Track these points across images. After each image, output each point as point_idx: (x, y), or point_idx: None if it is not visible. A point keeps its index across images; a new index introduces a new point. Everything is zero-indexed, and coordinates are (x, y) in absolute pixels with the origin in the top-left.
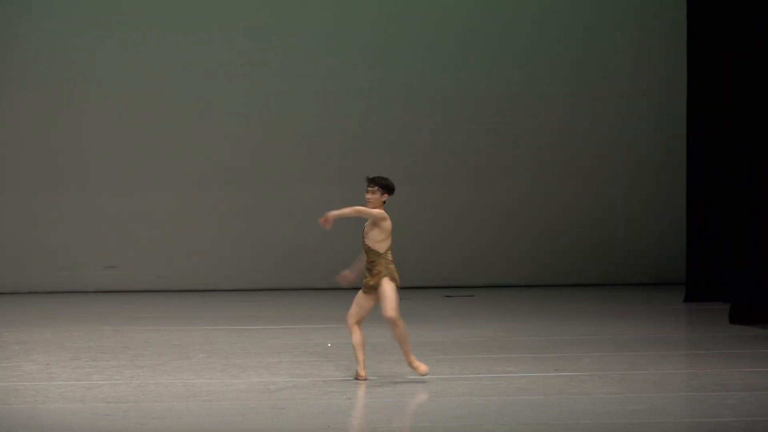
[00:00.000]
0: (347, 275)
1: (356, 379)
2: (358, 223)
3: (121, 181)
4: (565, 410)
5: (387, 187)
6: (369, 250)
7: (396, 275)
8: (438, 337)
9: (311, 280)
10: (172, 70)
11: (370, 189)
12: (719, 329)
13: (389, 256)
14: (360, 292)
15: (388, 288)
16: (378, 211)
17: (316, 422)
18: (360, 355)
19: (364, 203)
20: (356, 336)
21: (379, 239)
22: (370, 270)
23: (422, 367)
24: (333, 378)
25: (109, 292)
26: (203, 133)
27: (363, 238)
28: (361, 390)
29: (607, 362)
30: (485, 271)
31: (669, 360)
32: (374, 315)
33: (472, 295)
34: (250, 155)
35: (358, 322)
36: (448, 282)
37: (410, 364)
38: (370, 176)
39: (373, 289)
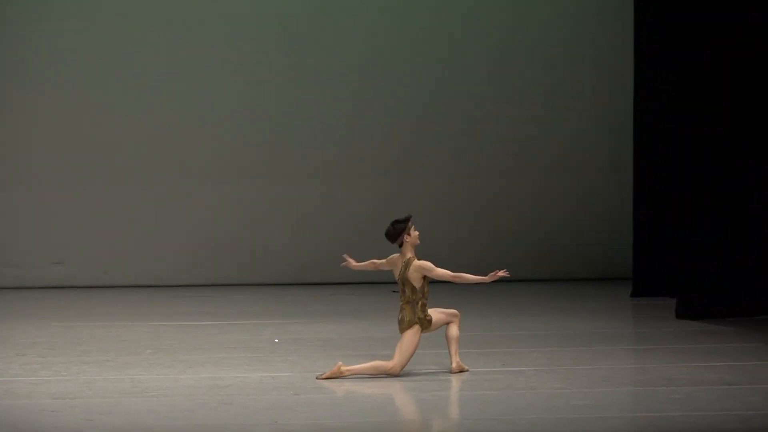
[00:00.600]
0: (351, 262)
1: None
2: (300, 220)
3: (67, 176)
4: (512, 405)
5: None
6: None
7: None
8: (385, 333)
9: (259, 276)
10: (115, 68)
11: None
12: (666, 324)
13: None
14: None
15: (411, 342)
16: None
17: (263, 418)
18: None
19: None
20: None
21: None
22: (401, 311)
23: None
24: (281, 374)
25: (56, 288)
26: (149, 130)
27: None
28: (309, 386)
29: (554, 357)
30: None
31: (616, 355)
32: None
33: None
34: (197, 151)
35: (447, 323)
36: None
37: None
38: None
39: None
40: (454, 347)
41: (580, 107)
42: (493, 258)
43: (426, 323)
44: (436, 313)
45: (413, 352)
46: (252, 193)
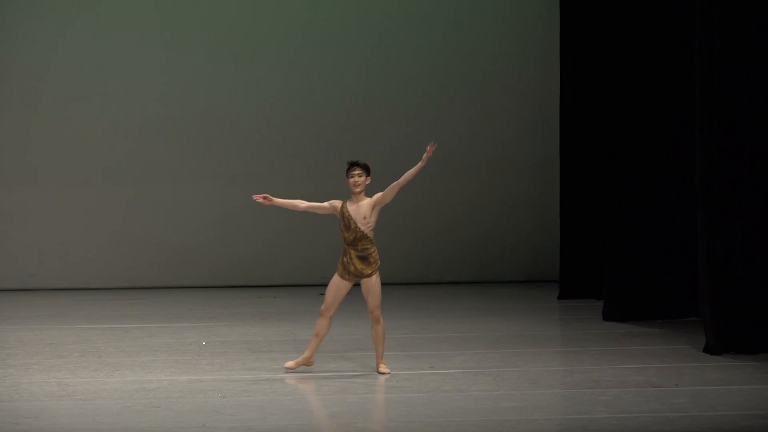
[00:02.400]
0: (271, 198)
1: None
2: (228, 223)
3: None
4: (439, 407)
5: (369, 169)
6: (363, 237)
7: None
8: (308, 335)
9: (185, 278)
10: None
11: (356, 173)
12: (593, 326)
13: None
14: (337, 278)
15: (379, 281)
16: (378, 194)
17: (191, 420)
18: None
19: (348, 189)
20: (324, 327)
21: (374, 224)
22: (364, 258)
23: (387, 369)
24: (208, 376)
25: None
26: (78, 130)
27: (352, 224)
28: (237, 388)
29: (481, 359)
30: None
31: (543, 357)
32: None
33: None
34: (121, 153)
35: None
36: (324, 280)
37: (379, 365)
38: (353, 160)
39: (357, 277)
40: (381, 348)
41: (507, 108)
42: (420, 260)
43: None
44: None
45: None
46: (177, 194)
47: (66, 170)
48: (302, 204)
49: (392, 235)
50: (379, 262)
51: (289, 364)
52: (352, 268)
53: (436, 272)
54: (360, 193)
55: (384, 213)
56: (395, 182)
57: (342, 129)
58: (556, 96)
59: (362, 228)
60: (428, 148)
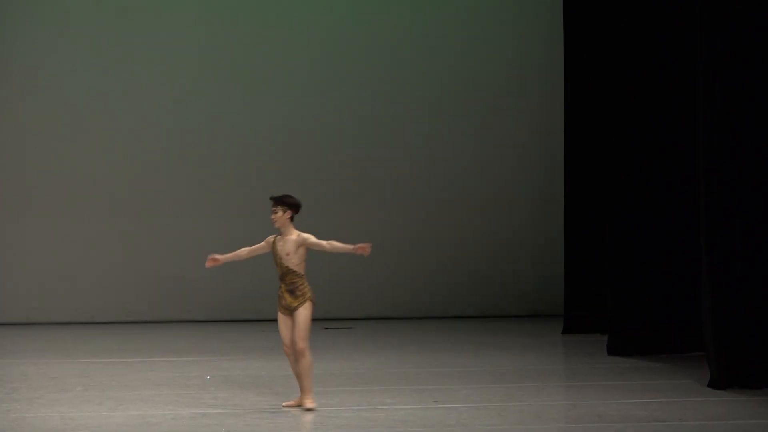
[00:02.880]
0: (217, 257)
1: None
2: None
3: None
4: None
5: (293, 205)
6: (290, 272)
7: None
8: (316, 370)
9: (189, 313)
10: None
11: (273, 209)
12: (597, 360)
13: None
14: (280, 315)
15: (307, 314)
16: (308, 236)
17: None
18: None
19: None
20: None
21: (302, 261)
22: (292, 291)
23: (312, 404)
24: (211, 411)
25: None
26: (73, 164)
27: (277, 260)
28: (240, 422)
29: (486, 394)
30: (364, 303)
31: (547, 391)
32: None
33: (350, 327)
34: (130, 184)
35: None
36: (327, 314)
37: (303, 399)
38: (274, 195)
39: (288, 311)
40: (307, 383)
41: (512, 142)
42: (423, 294)
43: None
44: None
45: None
46: (179, 228)
47: (67, 203)
48: (244, 252)
49: (396, 269)
50: (308, 295)
51: (288, 403)
52: (283, 302)
53: (439, 306)
54: (281, 227)
55: (388, 245)
56: (325, 243)
57: (346, 160)
58: (560, 129)
59: (286, 263)
60: (364, 246)
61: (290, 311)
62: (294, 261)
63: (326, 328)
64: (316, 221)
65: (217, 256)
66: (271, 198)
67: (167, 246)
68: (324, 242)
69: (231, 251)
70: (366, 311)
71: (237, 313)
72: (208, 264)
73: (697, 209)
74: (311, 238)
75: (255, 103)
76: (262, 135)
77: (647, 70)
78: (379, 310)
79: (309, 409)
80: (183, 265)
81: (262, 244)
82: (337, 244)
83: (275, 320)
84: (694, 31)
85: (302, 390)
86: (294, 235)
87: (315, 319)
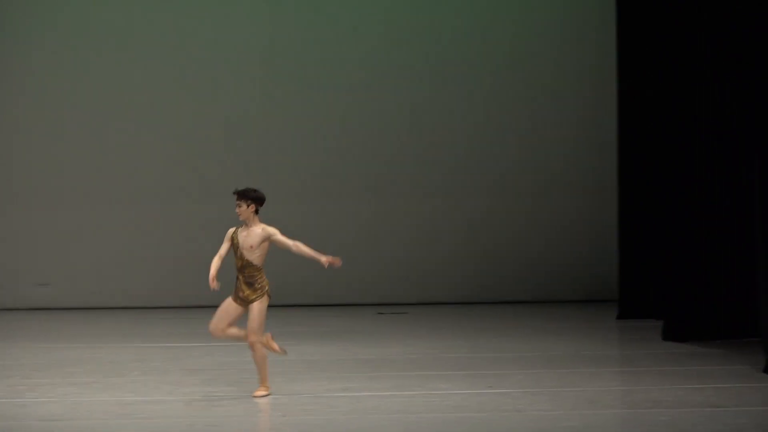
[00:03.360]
0: (214, 280)
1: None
2: None
3: (55, 198)
4: (498, 427)
5: (257, 199)
6: (249, 265)
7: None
8: (370, 355)
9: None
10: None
11: (237, 203)
12: (652, 346)
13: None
14: (230, 300)
15: (263, 308)
16: (274, 231)
17: None
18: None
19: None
20: (234, 331)
21: (263, 254)
22: (250, 284)
23: (262, 392)
24: (271, 394)
25: (41, 309)
26: (134, 151)
27: (238, 251)
28: (296, 407)
29: (540, 379)
30: (419, 288)
31: (602, 377)
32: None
33: (405, 313)
34: (181, 172)
35: (230, 325)
36: (382, 299)
37: (261, 386)
38: (238, 189)
39: (245, 302)
40: (262, 372)
41: (565, 128)
42: (478, 279)
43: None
44: None
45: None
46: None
47: (125, 189)
48: (217, 261)
49: (448, 254)
50: (266, 288)
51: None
52: (241, 294)
53: (493, 292)
54: (246, 220)
55: (441, 232)
56: (291, 243)
57: (402, 147)
58: (613, 114)
59: (247, 256)
60: (335, 260)
61: (245, 303)
62: (256, 254)
63: (380, 313)
64: (380, 207)
65: (213, 279)
66: (235, 192)
67: (222, 231)
68: (290, 241)
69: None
70: (420, 296)
71: (290, 298)
72: (214, 287)
73: (754, 196)
74: (277, 235)
75: (298, 92)
76: (323, 122)
77: (703, 56)
78: (433, 295)
79: (259, 396)
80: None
81: (225, 242)
82: (303, 247)
83: (329, 305)
84: (750, 22)
85: (260, 379)
86: (259, 228)
87: (368, 304)
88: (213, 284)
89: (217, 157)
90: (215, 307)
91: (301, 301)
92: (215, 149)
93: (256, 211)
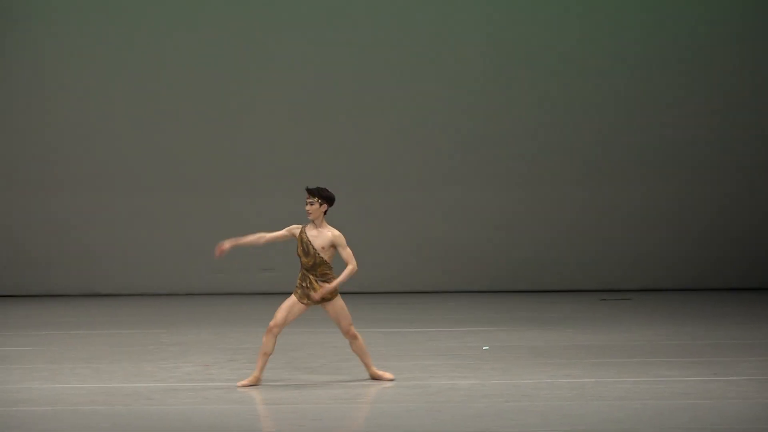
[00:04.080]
0: (225, 245)
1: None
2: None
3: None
4: (724, 415)
5: (327, 198)
6: (323, 263)
7: None
8: (594, 341)
9: (464, 283)
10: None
11: (309, 200)
12: None
13: None
14: (294, 299)
15: (341, 304)
16: (341, 240)
17: (472, 426)
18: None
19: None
20: (271, 345)
21: (332, 256)
22: (327, 283)
23: (387, 375)
24: (490, 381)
25: (265, 294)
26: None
27: (311, 250)
28: (519, 393)
29: (767, 367)
30: (642, 274)
31: None
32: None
33: (629, 299)
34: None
35: (286, 324)
36: (605, 285)
37: (373, 375)
38: (311, 187)
39: (312, 302)
40: (368, 359)
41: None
42: (703, 264)
43: None
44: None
45: None
46: (462, 199)
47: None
48: (263, 239)
49: (671, 239)
50: (338, 290)
51: (242, 383)
52: (311, 292)
53: (719, 278)
54: (315, 219)
55: (670, 215)
56: (347, 258)
57: (612, 135)
58: None
59: (321, 255)
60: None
61: (312, 302)
62: (327, 254)
63: (603, 299)
64: (602, 191)
65: (226, 244)
66: (307, 189)
67: (447, 218)
68: (348, 258)
69: (499, 225)
70: (643, 282)
71: (512, 284)
72: (217, 254)
73: None
74: (344, 248)
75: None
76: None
77: None
78: (656, 281)
79: (389, 379)
80: (460, 236)
81: (284, 232)
82: (347, 270)
83: (549, 291)
84: None
85: (366, 366)
86: (330, 232)
87: (592, 290)
88: (226, 246)
89: (448, 142)
90: (433, 292)
91: (522, 287)
92: (444, 136)
93: (325, 212)
